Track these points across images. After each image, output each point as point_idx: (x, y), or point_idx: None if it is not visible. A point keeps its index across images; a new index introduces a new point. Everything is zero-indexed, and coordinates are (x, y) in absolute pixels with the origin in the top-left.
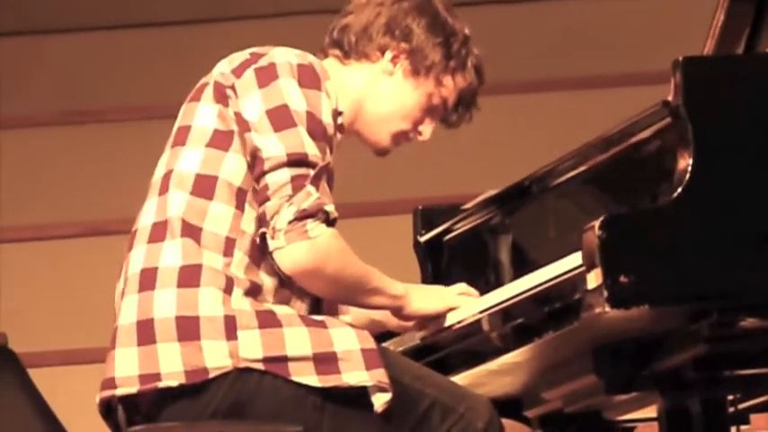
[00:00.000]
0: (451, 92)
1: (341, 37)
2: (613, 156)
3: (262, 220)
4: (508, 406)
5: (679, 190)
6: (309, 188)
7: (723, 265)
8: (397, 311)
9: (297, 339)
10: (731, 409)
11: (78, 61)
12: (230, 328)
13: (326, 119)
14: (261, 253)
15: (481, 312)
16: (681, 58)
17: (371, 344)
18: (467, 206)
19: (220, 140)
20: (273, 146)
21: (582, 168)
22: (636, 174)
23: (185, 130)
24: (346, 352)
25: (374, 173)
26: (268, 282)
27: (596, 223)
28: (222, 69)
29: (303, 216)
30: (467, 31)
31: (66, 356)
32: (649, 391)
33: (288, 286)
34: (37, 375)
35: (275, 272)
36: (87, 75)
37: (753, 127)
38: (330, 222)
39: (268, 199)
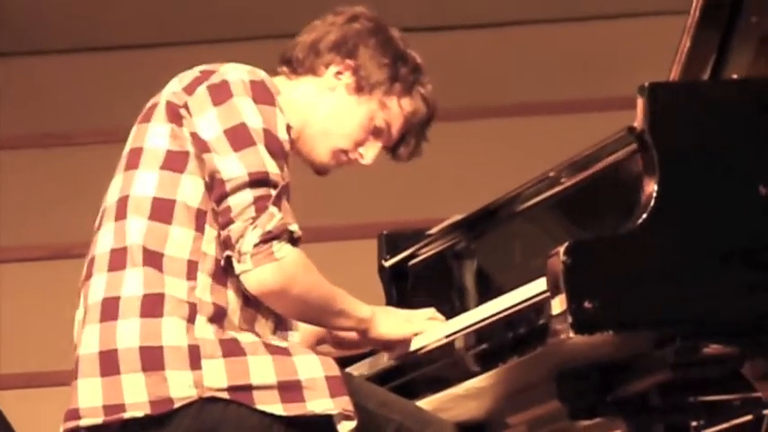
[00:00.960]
0: (396, 117)
1: (290, 53)
2: (579, 181)
3: (226, 243)
4: (473, 431)
5: (644, 216)
6: (272, 209)
7: (687, 291)
8: (363, 334)
9: (261, 368)
10: None
11: (46, 84)
12: (194, 357)
13: (282, 135)
14: (224, 273)
15: (446, 337)
16: (646, 84)
17: (335, 371)
18: (432, 231)
19: (174, 162)
20: (234, 166)
21: (547, 194)
22: (601, 199)
23: (137, 153)
24: (311, 380)
25: (339, 197)
26: (233, 301)
27: (561, 249)
28: (173, 88)
29: (268, 238)
30: (419, 60)
31: (28, 379)
32: (614, 417)
33: (253, 305)
34: (3, 398)
35: (240, 290)
36: (55, 97)
37: (717, 153)
38: (294, 241)
39: (231, 221)
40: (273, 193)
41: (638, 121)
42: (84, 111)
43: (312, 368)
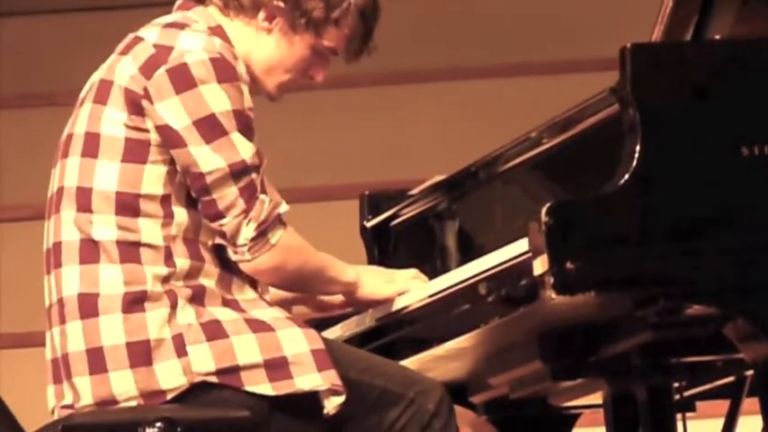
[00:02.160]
0: (337, 39)
1: None
2: (560, 142)
3: (220, 237)
4: (454, 391)
5: (626, 177)
6: (261, 197)
7: (669, 252)
8: (348, 296)
9: (246, 347)
10: (677, 397)
11: (31, 44)
12: (179, 345)
13: (248, 103)
14: (195, 250)
15: (429, 297)
16: (628, 45)
17: (320, 344)
18: (414, 192)
19: (135, 153)
20: (211, 159)
21: (529, 155)
22: (583, 161)
23: (94, 138)
24: (296, 355)
25: (321, 158)
26: (211, 271)
27: (543, 209)
28: (129, 71)
29: (264, 229)
30: None
31: (14, 339)
32: (595, 378)
33: (229, 270)
34: None
35: (216, 258)
36: (40, 58)
37: (700, 114)
38: (283, 222)
39: (220, 215)
40: (256, 178)
41: (620, 82)
42: (67, 71)
43: (297, 343)
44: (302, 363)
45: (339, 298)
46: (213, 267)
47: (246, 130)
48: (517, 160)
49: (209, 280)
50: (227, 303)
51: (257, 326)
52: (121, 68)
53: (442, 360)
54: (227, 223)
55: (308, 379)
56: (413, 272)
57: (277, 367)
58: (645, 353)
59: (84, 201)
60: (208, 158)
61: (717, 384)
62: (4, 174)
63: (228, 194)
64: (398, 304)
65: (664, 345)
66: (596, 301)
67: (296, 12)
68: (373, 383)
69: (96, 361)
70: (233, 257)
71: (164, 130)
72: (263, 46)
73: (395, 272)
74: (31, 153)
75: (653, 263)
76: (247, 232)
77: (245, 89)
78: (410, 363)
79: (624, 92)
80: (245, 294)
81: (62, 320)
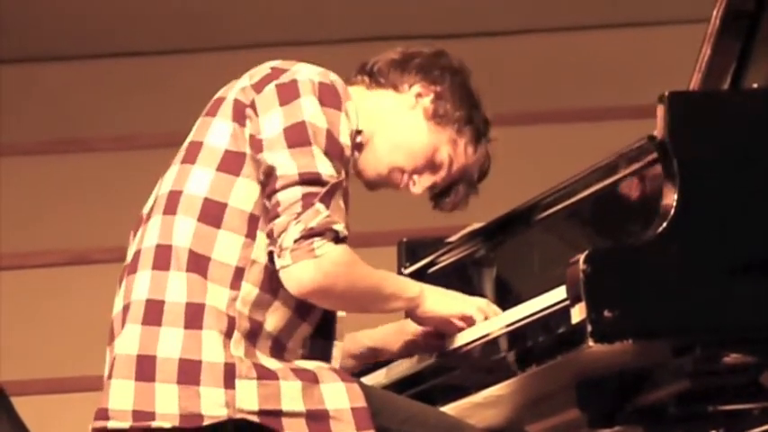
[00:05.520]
0: (459, 158)
1: (371, 66)
2: (599, 190)
3: (270, 237)
4: None
5: (664, 224)
6: (318, 206)
7: (706, 299)
8: (412, 312)
9: (291, 394)
10: None
11: (66, 90)
12: (229, 376)
13: (344, 139)
14: (272, 282)
15: (466, 345)
16: (667, 93)
17: (361, 402)
18: (451, 239)
19: (231, 163)
20: (286, 163)
21: (567, 202)
22: (621, 208)
23: (197, 147)
24: (337, 411)
25: (359, 204)
26: (278, 313)
27: (581, 257)
28: (242, 84)
29: (310, 234)
30: (488, 115)
31: (52, 385)
32: (633, 426)
33: (300, 316)
34: (23, 404)
35: (286, 302)
36: (74, 103)
37: (737, 162)
38: (340, 240)
39: (278, 216)
40: (324, 192)
41: (659, 130)
42: (103, 117)
43: (339, 398)
44: (342, 419)
45: (392, 347)
46: (284, 309)
47: (332, 153)
48: (555, 208)
49: (273, 320)
50: (274, 354)
51: (303, 375)
52: (237, 84)
53: (479, 407)
54: (279, 221)
55: None
56: (483, 301)
57: (318, 419)
58: (682, 401)
59: (171, 204)
60: (285, 162)
61: None
62: (44, 219)
63: (291, 197)
64: (423, 359)
65: (701, 393)
66: (634, 348)
67: (444, 102)
68: None
69: (146, 369)
70: (276, 264)
71: (254, 141)
72: (400, 120)
73: (464, 296)
74: (67, 198)
75: (690, 311)
76: (293, 233)
77: (345, 121)
78: (448, 409)
79: (662, 140)
80: (299, 346)
81: (123, 324)
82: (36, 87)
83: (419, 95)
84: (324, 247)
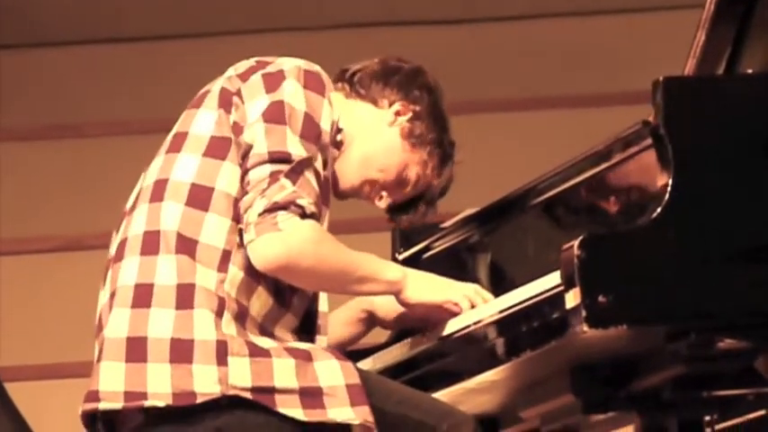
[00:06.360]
0: (426, 177)
1: (352, 75)
2: (593, 175)
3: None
4: (485, 425)
5: (658, 210)
6: (284, 181)
7: (701, 285)
8: (396, 297)
9: (284, 371)
10: (708, 430)
11: (61, 76)
12: (221, 353)
13: (324, 125)
14: (253, 266)
15: (458, 330)
16: (661, 78)
17: (356, 378)
18: (445, 224)
19: (217, 149)
20: (260, 143)
21: (562, 187)
22: (615, 193)
23: (182, 137)
24: (331, 387)
25: None
26: (262, 298)
27: (575, 243)
28: (228, 74)
29: (274, 208)
30: (453, 139)
31: (44, 371)
32: (627, 411)
33: (283, 304)
34: (16, 390)
35: (267, 288)
36: (70, 89)
37: (732, 147)
38: (306, 216)
39: (247, 194)
40: (291, 170)
41: (653, 115)
42: (96, 103)
43: (333, 375)
44: (336, 395)
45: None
46: (266, 295)
47: (308, 135)
48: (549, 193)
49: (257, 305)
50: (264, 334)
51: (296, 353)
52: (222, 77)
53: (474, 393)
54: (246, 198)
55: (340, 411)
56: (472, 286)
57: (311, 395)
58: (676, 386)
59: (158, 192)
60: (259, 139)
61: (748, 418)
62: (38, 205)
63: (259, 176)
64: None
65: (695, 378)
66: (628, 334)
67: (420, 123)
68: (407, 416)
69: (136, 350)
70: (244, 239)
71: (238, 127)
72: (377, 135)
73: (453, 282)
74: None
75: (685, 297)
76: (258, 207)
77: (327, 107)
78: (441, 395)
79: (657, 125)
80: (285, 335)
81: (110, 311)
82: (31, 73)
83: (398, 113)
84: (289, 221)
